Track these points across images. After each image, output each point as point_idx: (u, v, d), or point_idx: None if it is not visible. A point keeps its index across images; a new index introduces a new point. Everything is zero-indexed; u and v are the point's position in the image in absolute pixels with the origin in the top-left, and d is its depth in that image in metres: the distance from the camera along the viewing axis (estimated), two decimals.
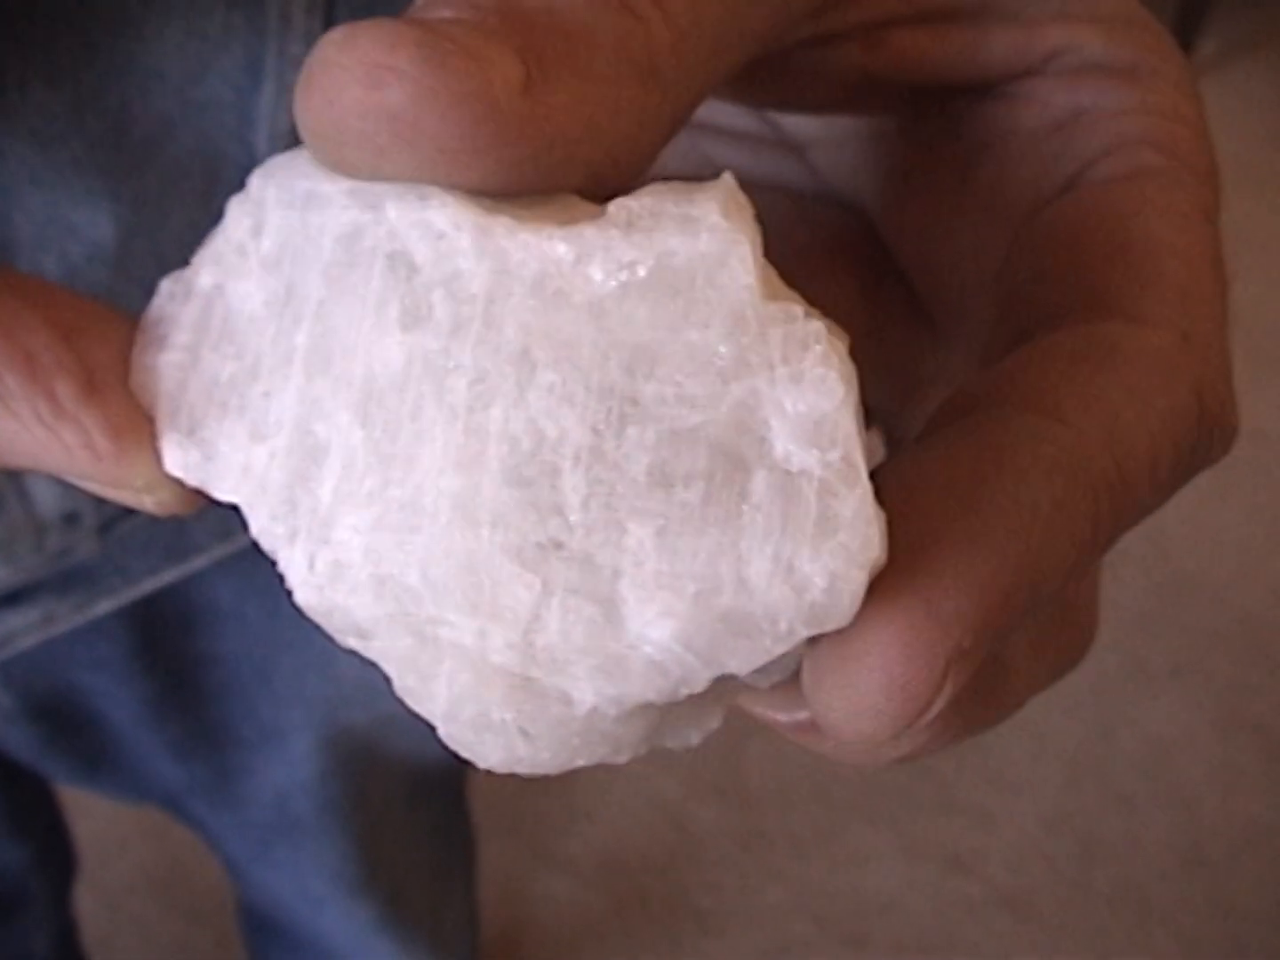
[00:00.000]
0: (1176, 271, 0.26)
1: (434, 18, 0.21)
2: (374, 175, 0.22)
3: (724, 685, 0.24)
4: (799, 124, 0.33)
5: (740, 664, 0.22)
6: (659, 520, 0.21)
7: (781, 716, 0.26)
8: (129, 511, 0.55)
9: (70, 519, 0.52)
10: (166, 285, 0.25)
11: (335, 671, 0.77)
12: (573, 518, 0.21)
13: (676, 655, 0.22)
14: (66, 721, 0.76)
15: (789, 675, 0.24)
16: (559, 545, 0.21)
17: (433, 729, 0.23)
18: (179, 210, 0.47)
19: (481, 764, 0.23)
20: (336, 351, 0.22)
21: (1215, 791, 1.77)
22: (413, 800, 0.94)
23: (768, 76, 0.28)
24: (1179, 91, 0.29)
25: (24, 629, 0.59)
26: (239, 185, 0.25)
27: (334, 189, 0.23)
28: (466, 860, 1.10)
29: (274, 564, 0.23)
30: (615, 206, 0.22)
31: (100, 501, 0.52)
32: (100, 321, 0.24)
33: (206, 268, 0.24)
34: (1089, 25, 0.29)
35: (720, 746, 1.78)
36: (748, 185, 0.24)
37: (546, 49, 0.21)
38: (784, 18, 0.25)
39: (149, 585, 0.62)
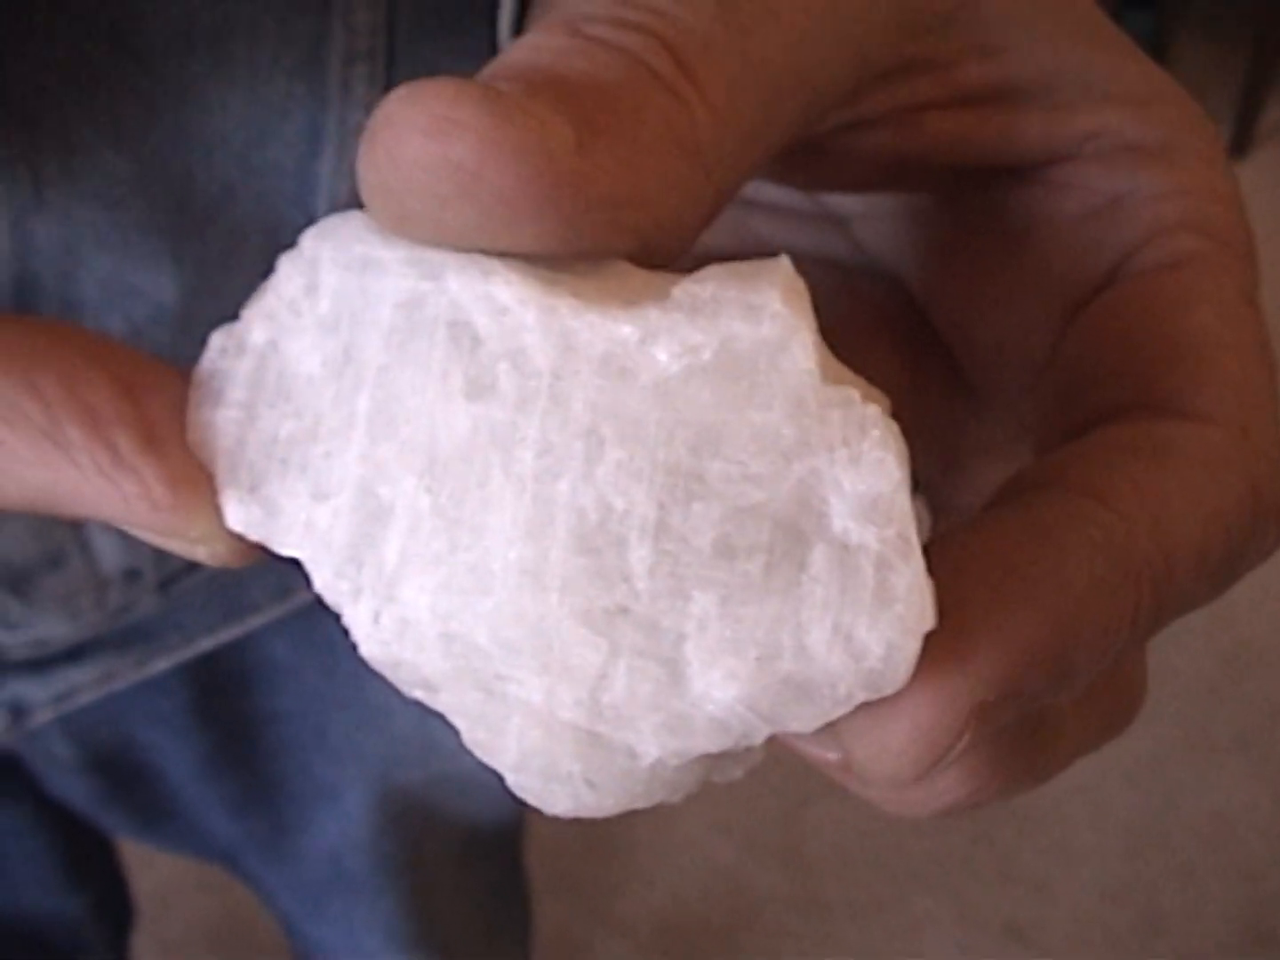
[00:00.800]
0: (1229, 365, 0.27)
1: (487, 84, 0.22)
2: (435, 229, 0.23)
3: None
4: (842, 199, 0.33)
5: (801, 725, 0.23)
6: (722, 589, 0.22)
7: (828, 754, 0.27)
8: (189, 568, 0.56)
9: (131, 575, 0.53)
10: (218, 340, 0.26)
11: (390, 730, 0.78)
12: (639, 585, 0.22)
13: (739, 714, 0.23)
14: (124, 775, 0.77)
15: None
16: (625, 610, 0.22)
17: (501, 779, 0.24)
18: (240, 273, 0.47)
19: (549, 811, 0.24)
20: (400, 417, 0.23)
21: (1278, 863, 1.75)
22: (467, 859, 0.94)
23: (806, 159, 0.29)
24: (1212, 168, 0.29)
25: (85, 685, 0.60)
26: None
27: (390, 256, 0.24)
28: (522, 921, 1.09)
29: (338, 618, 0.24)
30: (679, 290, 0.23)
31: (160, 558, 0.53)
32: (159, 377, 0.25)
33: (259, 323, 0.25)
34: (1121, 107, 0.29)
35: (779, 812, 1.77)
36: (798, 261, 0.25)
37: (596, 118, 0.22)
38: (818, 105, 0.26)
39: (207, 643, 0.63)
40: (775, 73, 0.24)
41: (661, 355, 0.23)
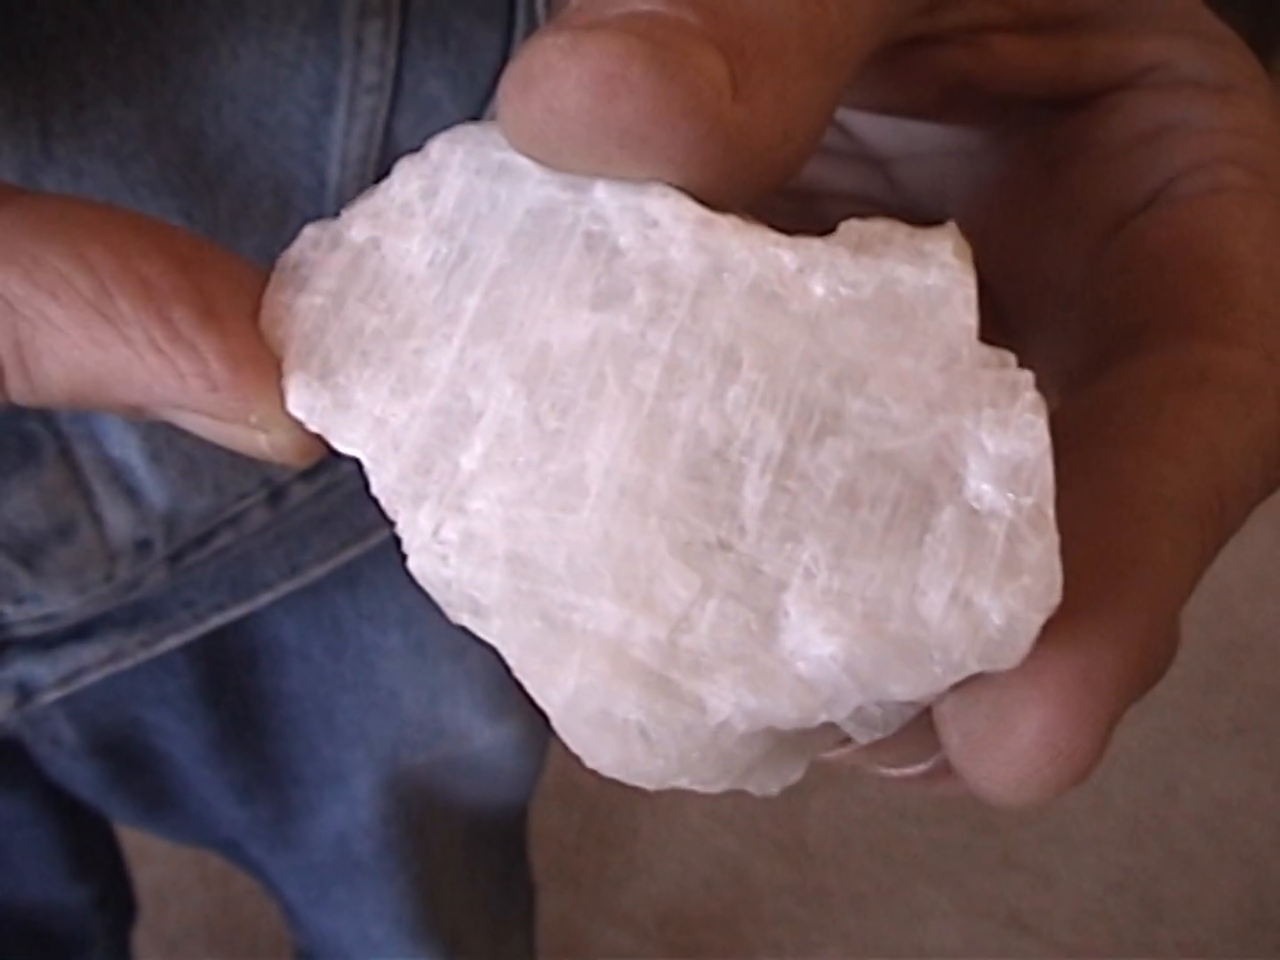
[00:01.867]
0: (1259, 290, 0.26)
1: (632, 11, 0.21)
2: (592, 174, 0.22)
3: (817, 737, 0.24)
4: (883, 139, 0.33)
5: (904, 691, 0.21)
6: (838, 538, 0.21)
7: (893, 773, 0.26)
8: (199, 542, 0.55)
9: (141, 547, 0.53)
10: (311, 231, 0.25)
11: (398, 712, 0.77)
12: (748, 522, 0.21)
13: (832, 675, 0.21)
14: (130, 759, 0.76)
15: (890, 732, 0.24)
16: (727, 547, 0.21)
17: (546, 720, 0.22)
18: (251, 235, 0.47)
19: (590, 762, 0.22)
20: (511, 320, 0.22)
21: (1279, 850, 1.75)
22: (473, 847, 0.94)
23: (876, 76, 0.29)
24: (1265, 113, 0.29)
25: (92, 664, 0.59)
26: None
27: (532, 164, 0.23)
28: (527, 910, 1.09)
29: (392, 524, 0.23)
30: (845, 227, 0.23)
31: (170, 530, 0.53)
32: (219, 256, 0.24)
33: (360, 221, 0.24)
34: (1185, 40, 0.29)
35: (781, 802, 1.77)
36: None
37: (746, 45, 0.21)
38: (909, 7, 0.25)
39: (216, 621, 0.63)
40: None
41: (818, 288, 0.22)
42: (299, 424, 0.23)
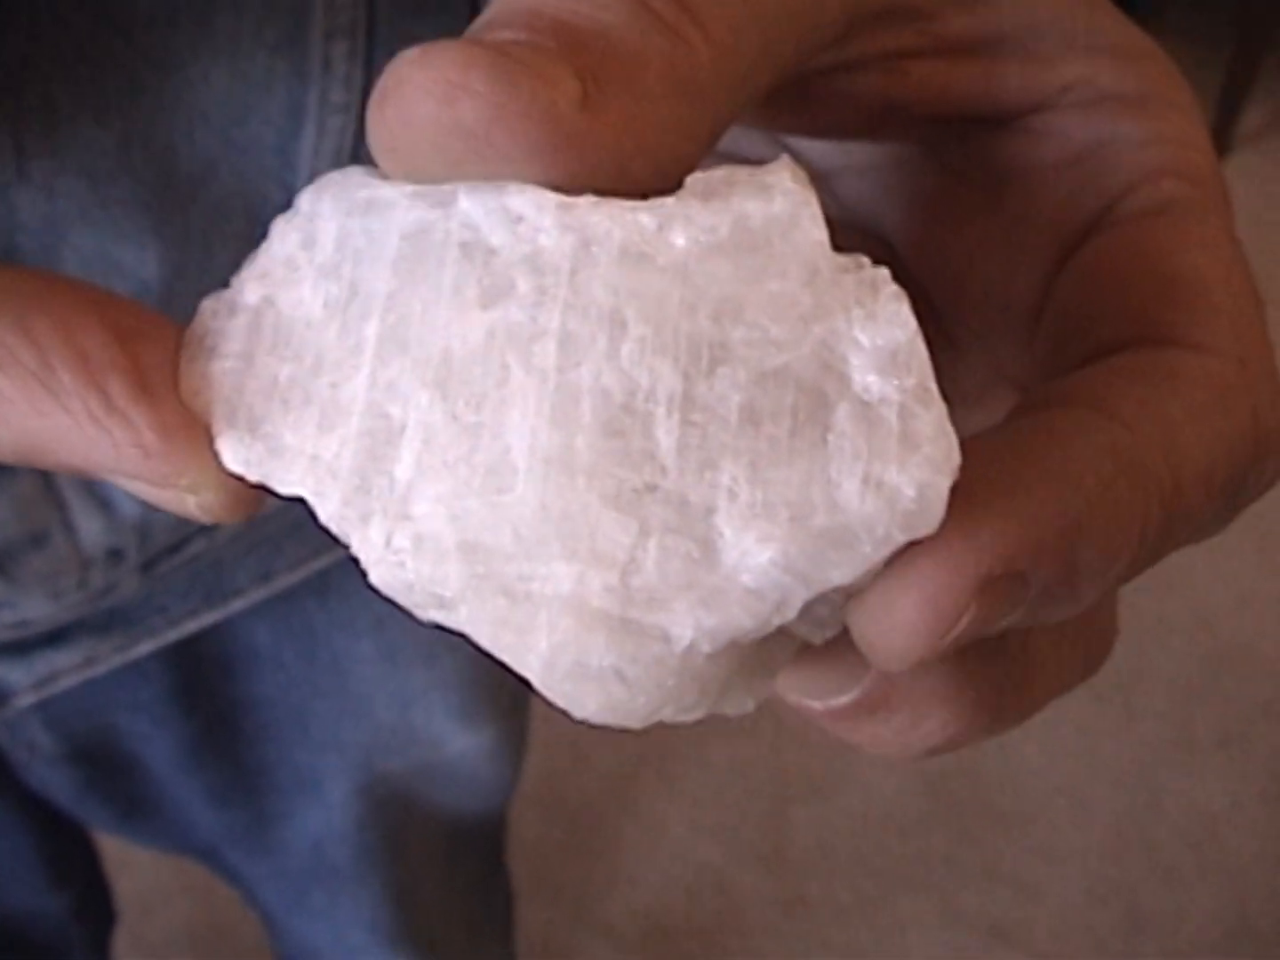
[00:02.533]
0: (1225, 301, 0.27)
1: (496, 39, 0.23)
2: (445, 181, 0.24)
3: (777, 649, 0.25)
4: (822, 153, 0.34)
5: (842, 575, 0.23)
6: (750, 456, 0.23)
7: (818, 704, 0.27)
8: (172, 550, 0.56)
9: (114, 555, 0.53)
10: (208, 304, 0.26)
11: (372, 718, 0.78)
12: (667, 461, 0.23)
13: (774, 579, 0.23)
14: (105, 765, 0.77)
15: (841, 628, 0.25)
16: (654, 488, 0.23)
17: (528, 684, 0.23)
18: (222, 251, 0.48)
19: (578, 713, 0.24)
20: (411, 337, 0.23)
21: (1262, 863, 1.75)
22: (452, 854, 0.94)
23: (792, 102, 0.30)
24: (1189, 120, 0.30)
25: (66, 668, 0.60)
26: None
27: (396, 193, 0.24)
28: (505, 919, 1.10)
29: (346, 548, 0.24)
30: (691, 180, 0.24)
31: (143, 539, 0.53)
32: (155, 325, 0.25)
33: (250, 284, 0.25)
34: (1101, 57, 0.30)
35: (763, 812, 1.77)
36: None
37: (601, 69, 0.23)
38: (812, 43, 0.26)
39: (189, 627, 0.63)
40: (773, 8, 0.25)
41: (679, 239, 0.23)
42: (237, 479, 0.24)
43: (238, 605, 0.64)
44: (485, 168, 0.23)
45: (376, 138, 0.23)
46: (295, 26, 0.45)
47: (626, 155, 0.23)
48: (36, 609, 0.54)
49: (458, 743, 0.81)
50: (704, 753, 1.79)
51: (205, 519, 0.25)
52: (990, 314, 0.31)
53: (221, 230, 0.48)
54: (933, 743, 0.27)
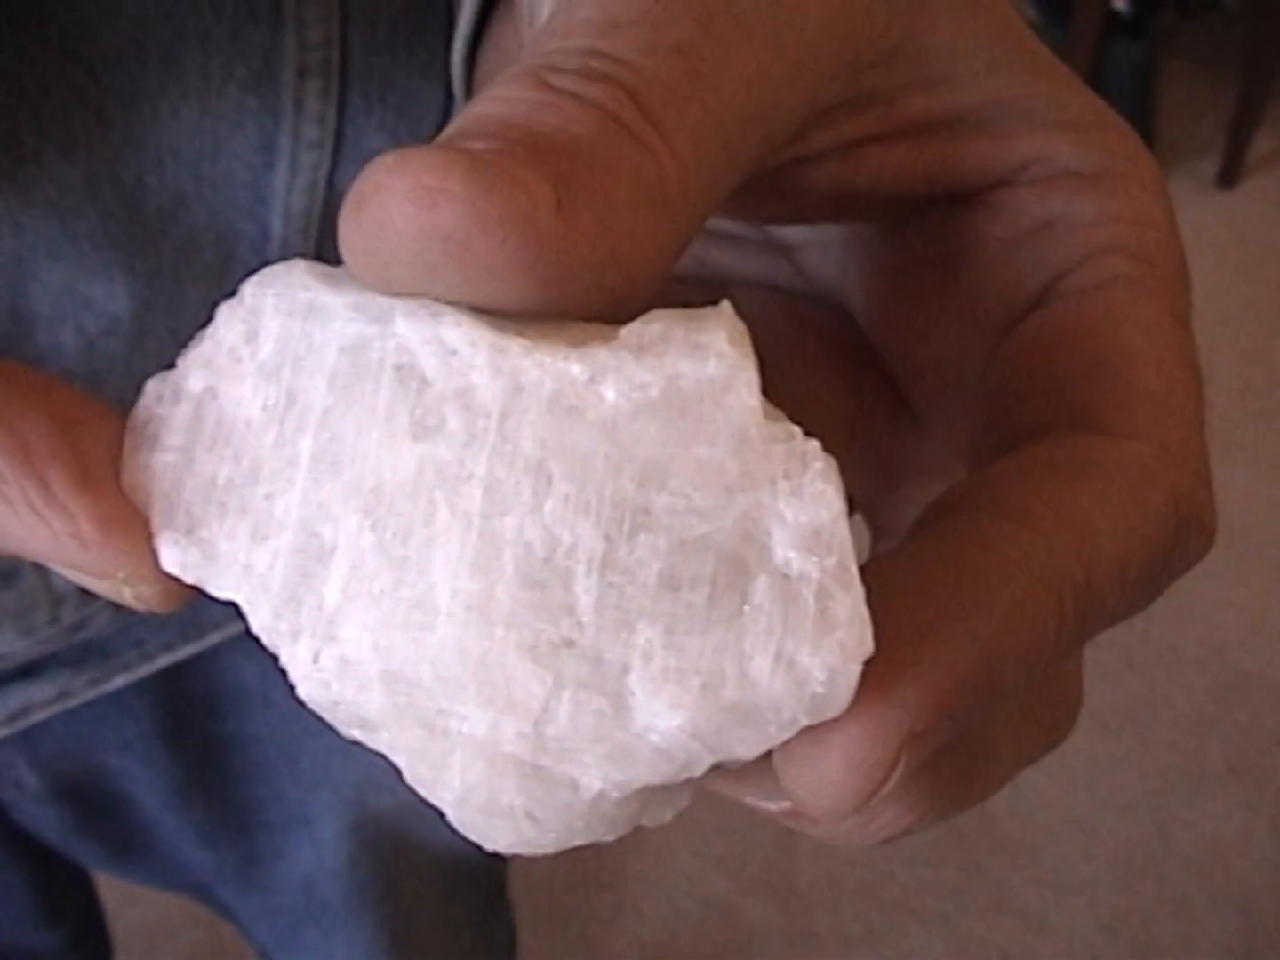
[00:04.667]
0: (1151, 381, 0.27)
1: (469, 149, 0.22)
2: (420, 291, 0.23)
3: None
4: (787, 229, 0.34)
5: (746, 750, 0.23)
6: (667, 620, 0.23)
7: (769, 805, 0.27)
8: None
9: (85, 592, 0.53)
10: (153, 386, 0.26)
11: (363, 755, 0.77)
12: (584, 618, 0.23)
13: (683, 743, 0.23)
14: (95, 804, 0.76)
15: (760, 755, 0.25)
16: (570, 643, 0.23)
17: (442, 815, 0.24)
18: (194, 286, 0.48)
19: (489, 846, 0.24)
20: (344, 458, 0.24)
21: (1272, 893, 1.75)
22: (449, 890, 0.94)
23: (755, 195, 0.29)
24: (1147, 193, 0.30)
25: (41, 702, 0.60)
26: (254, 262, 0.25)
27: (337, 301, 0.24)
28: (508, 955, 1.09)
29: (275, 659, 0.24)
30: (626, 332, 0.24)
31: None
32: (97, 415, 0.25)
33: (196, 370, 0.25)
34: (1059, 133, 0.30)
35: (770, 843, 1.77)
36: (744, 288, 0.25)
37: (573, 178, 0.22)
38: (771, 144, 0.26)
39: (164, 661, 0.63)
40: (734, 116, 0.25)
41: (609, 393, 0.23)
42: (173, 578, 0.25)
43: (214, 638, 0.64)
44: (463, 276, 0.22)
45: (351, 243, 0.23)
46: (266, 64, 0.45)
47: (600, 263, 0.23)
48: (8, 644, 0.54)
49: None
50: None
51: (140, 609, 0.25)
52: (946, 389, 0.32)
53: (194, 265, 0.48)
54: (889, 834, 0.27)
